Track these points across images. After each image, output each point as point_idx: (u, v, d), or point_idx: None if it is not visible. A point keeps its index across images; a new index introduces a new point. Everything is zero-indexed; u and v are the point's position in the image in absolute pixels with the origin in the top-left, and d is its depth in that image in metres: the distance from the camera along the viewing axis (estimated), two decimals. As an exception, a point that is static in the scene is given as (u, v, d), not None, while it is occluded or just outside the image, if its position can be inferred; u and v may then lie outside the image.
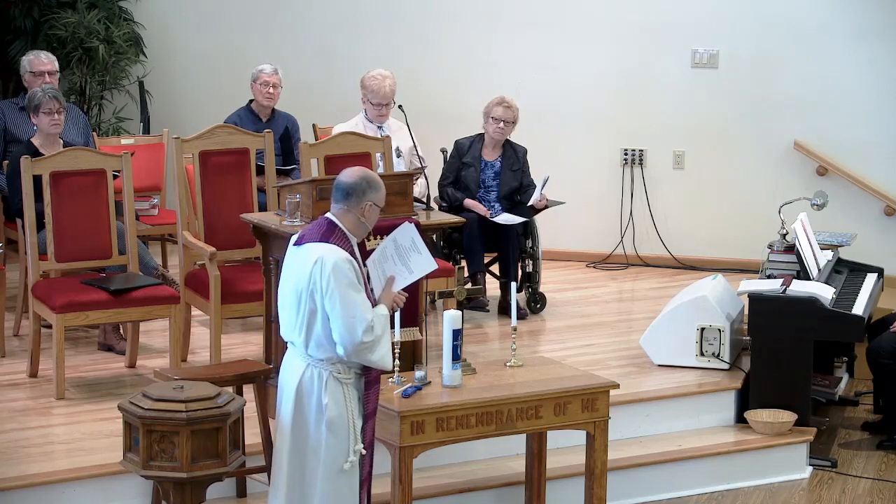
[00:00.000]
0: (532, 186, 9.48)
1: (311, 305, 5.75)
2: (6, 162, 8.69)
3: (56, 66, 9.44)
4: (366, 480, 5.95)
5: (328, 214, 5.90)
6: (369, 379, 5.91)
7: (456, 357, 6.48)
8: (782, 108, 10.63)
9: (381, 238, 7.16)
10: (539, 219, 9.58)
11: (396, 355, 6.23)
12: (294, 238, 5.97)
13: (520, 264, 9.47)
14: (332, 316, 5.72)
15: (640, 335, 8.50)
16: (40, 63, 9.35)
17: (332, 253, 5.73)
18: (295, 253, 5.89)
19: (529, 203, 9.38)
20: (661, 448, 7.73)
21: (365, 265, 5.96)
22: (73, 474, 6.69)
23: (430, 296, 8.55)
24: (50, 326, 7.88)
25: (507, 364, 6.84)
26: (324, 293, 5.71)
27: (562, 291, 10.08)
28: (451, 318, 6.41)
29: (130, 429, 5.93)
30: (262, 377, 6.81)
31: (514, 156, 9.55)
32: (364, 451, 5.87)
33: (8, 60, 11.15)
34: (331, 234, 5.79)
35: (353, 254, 5.81)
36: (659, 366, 8.35)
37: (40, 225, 8.04)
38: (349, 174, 5.89)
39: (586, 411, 6.59)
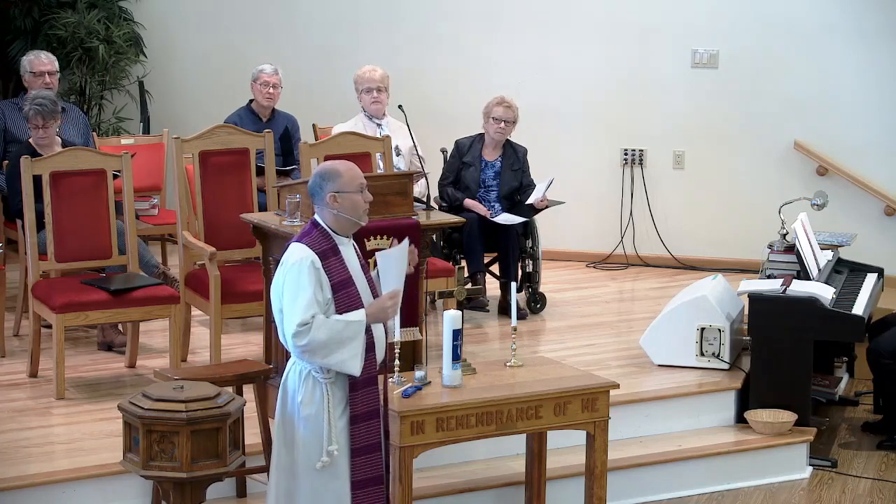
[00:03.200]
0: (532, 186, 9.48)
1: (279, 304, 5.73)
2: (6, 162, 8.69)
3: (56, 66, 9.43)
4: (365, 483, 5.78)
5: (314, 215, 5.89)
6: (354, 381, 5.73)
7: (456, 357, 6.47)
8: (782, 108, 10.64)
9: (385, 238, 7.18)
10: (539, 219, 9.58)
11: (393, 358, 6.20)
12: None
13: (520, 264, 9.47)
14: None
15: (640, 335, 8.50)
16: (40, 63, 9.35)
17: (295, 252, 5.68)
18: None
19: (529, 202, 9.37)
20: (661, 448, 7.73)
21: (368, 262, 5.91)
22: (73, 474, 6.69)
23: (430, 296, 8.56)
24: (50, 326, 7.88)
25: (507, 364, 6.83)
26: (281, 290, 5.70)
27: (562, 291, 10.08)
28: (451, 318, 6.41)
29: (130, 429, 5.92)
30: (262, 377, 6.81)
31: (514, 156, 9.55)
32: (335, 452, 5.68)
33: (8, 60, 11.15)
34: (308, 233, 5.74)
35: (332, 251, 5.69)
36: (659, 366, 8.35)
37: (40, 225, 8.04)
38: (311, 175, 5.88)
39: (586, 411, 6.59)
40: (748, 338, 8.23)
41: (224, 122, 9.08)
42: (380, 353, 5.81)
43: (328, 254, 5.69)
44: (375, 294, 5.83)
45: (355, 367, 5.67)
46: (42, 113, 8.35)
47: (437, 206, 9.14)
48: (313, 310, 5.60)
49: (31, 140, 8.53)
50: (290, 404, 5.77)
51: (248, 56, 10.83)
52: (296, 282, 5.63)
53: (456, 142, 9.60)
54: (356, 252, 5.84)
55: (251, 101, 9.73)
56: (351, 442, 5.74)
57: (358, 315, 5.66)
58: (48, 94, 8.57)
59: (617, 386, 6.75)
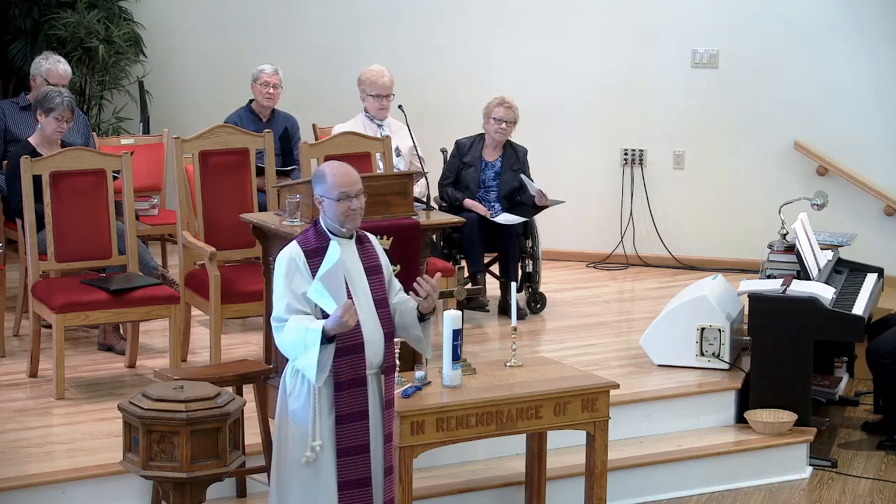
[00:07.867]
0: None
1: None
2: (6, 162, 8.68)
3: (69, 80, 9.34)
4: (351, 484, 5.70)
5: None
6: (339, 381, 5.67)
7: (456, 357, 6.48)
8: (782, 108, 10.64)
9: (385, 238, 7.19)
10: (539, 219, 9.58)
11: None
12: None
13: (520, 264, 9.47)
14: None
15: (640, 335, 8.50)
16: (58, 77, 9.21)
17: (285, 249, 5.73)
18: None
19: (531, 194, 9.34)
20: (661, 448, 7.73)
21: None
22: (73, 474, 6.69)
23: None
24: (50, 326, 7.88)
25: (507, 364, 6.84)
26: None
27: (562, 291, 10.08)
28: (451, 318, 6.41)
29: (130, 429, 5.92)
30: (262, 377, 6.81)
31: (514, 156, 9.55)
32: (318, 448, 5.65)
33: (8, 60, 11.14)
34: (305, 231, 5.79)
35: (325, 250, 5.69)
36: (659, 366, 8.35)
37: (40, 225, 8.04)
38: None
39: (586, 411, 6.59)
40: (748, 338, 8.23)
41: (224, 122, 9.08)
42: (375, 355, 5.74)
43: (317, 252, 5.70)
44: (378, 297, 5.80)
45: (312, 376, 5.62)
46: (72, 107, 8.39)
47: (437, 206, 9.13)
48: (291, 307, 5.61)
49: (30, 139, 8.53)
50: (283, 399, 5.77)
51: (248, 56, 10.83)
52: (277, 277, 5.68)
53: (456, 142, 9.60)
54: (360, 253, 5.80)
55: (251, 101, 9.73)
56: (337, 442, 5.70)
57: (317, 324, 5.57)
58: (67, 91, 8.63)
59: (617, 386, 6.75)
